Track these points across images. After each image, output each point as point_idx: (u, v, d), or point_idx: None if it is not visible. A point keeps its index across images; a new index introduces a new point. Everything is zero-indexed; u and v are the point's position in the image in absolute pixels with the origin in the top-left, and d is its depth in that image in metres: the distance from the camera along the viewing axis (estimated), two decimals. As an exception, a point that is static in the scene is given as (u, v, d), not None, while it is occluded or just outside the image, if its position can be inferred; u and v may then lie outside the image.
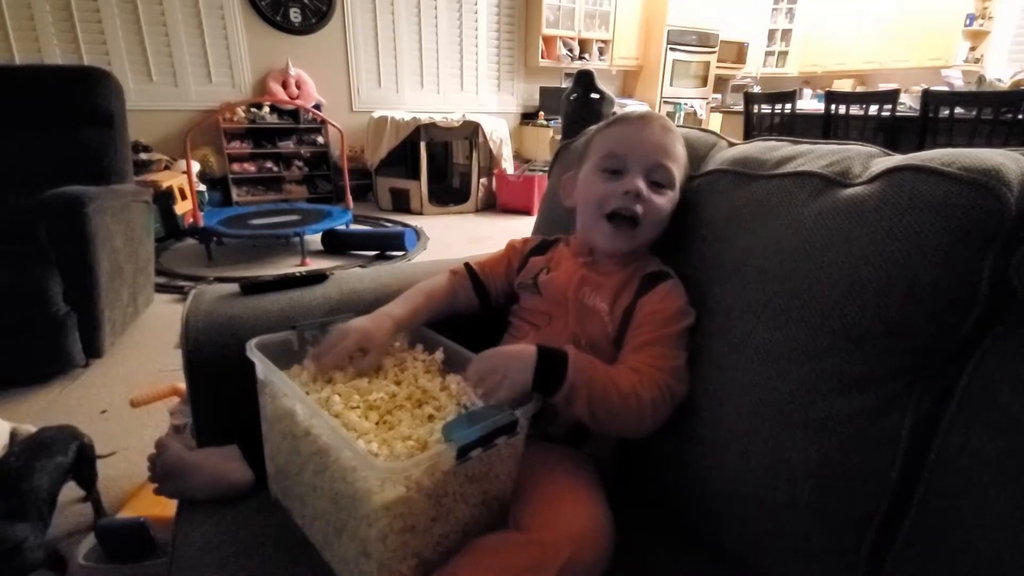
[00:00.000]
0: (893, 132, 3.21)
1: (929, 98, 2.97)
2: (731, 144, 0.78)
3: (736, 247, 0.63)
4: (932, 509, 0.48)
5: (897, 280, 0.48)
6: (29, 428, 1.32)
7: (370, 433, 0.54)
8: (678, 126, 0.78)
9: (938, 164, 0.49)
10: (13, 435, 1.29)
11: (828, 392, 0.52)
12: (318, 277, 0.84)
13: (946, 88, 3.52)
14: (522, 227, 3.63)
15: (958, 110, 2.92)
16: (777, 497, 0.54)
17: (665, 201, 0.70)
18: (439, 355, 0.68)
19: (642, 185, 0.68)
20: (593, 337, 0.68)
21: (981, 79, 3.74)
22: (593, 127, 0.80)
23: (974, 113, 2.85)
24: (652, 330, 0.65)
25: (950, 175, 0.48)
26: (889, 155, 0.58)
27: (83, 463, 1.07)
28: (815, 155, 0.62)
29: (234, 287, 0.81)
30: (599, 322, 0.69)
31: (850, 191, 0.54)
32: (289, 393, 0.57)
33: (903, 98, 3.31)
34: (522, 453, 0.58)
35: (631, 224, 0.69)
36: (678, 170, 0.71)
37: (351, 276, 0.88)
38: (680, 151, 0.72)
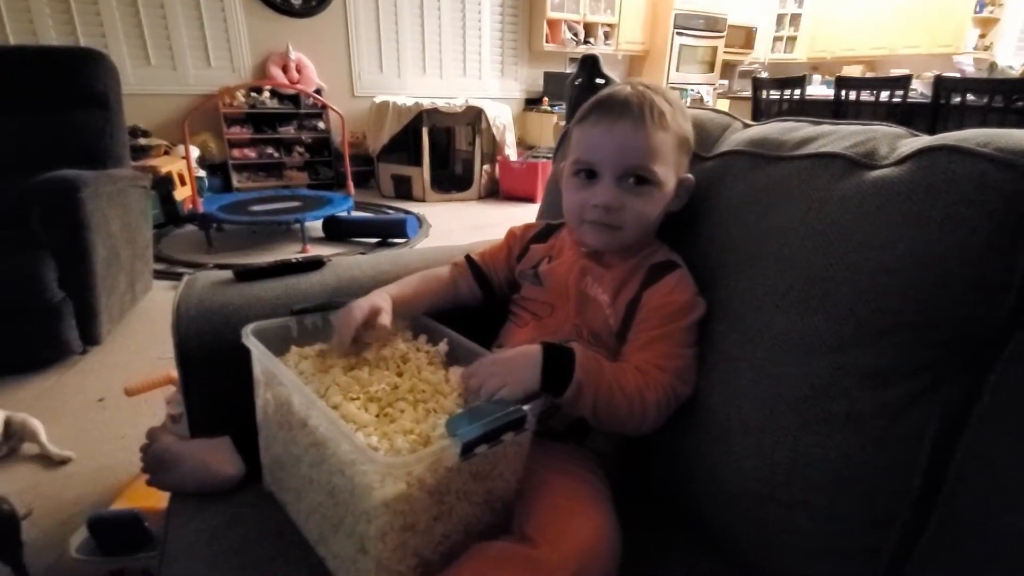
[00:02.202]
0: (904, 118, 3.16)
1: (941, 84, 2.92)
2: (746, 125, 0.74)
3: (752, 232, 0.60)
4: (959, 511, 0.45)
5: (928, 267, 0.45)
6: (24, 416, 1.31)
7: (370, 426, 0.52)
8: (689, 107, 0.74)
9: (973, 144, 0.46)
10: (7, 423, 1.28)
11: (851, 386, 0.49)
12: (315, 263, 0.82)
13: (958, 74, 3.46)
14: (525, 214, 3.58)
15: (969, 97, 2.87)
16: (794, 496, 0.52)
17: (645, 202, 0.64)
18: (443, 347, 0.65)
19: (612, 196, 0.63)
20: (595, 328, 0.66)
21: (993, 66, 3.67)
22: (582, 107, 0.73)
23: (985, 100, 2.81)
24: (659, 325, 0.62)
25: (986, 156, 0.45)
26: (916, 136, 0.55)
27: (4, 534, 0.87)
28: (837, 136, 0.59)
29: (228, 274, 0.78)
30: (600, 313, 0.66)
31: (877, 173, 0.50)
32: (286, 382, 0.54)
33: (914, 84, 3.25)
34: (528, 452, 0.56)
35: (611, 227, 0.65)
36: (663, 163, 0.64)
37: (349, 262, 0.85)
38: (661, 140, 0.63)
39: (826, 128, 0.62)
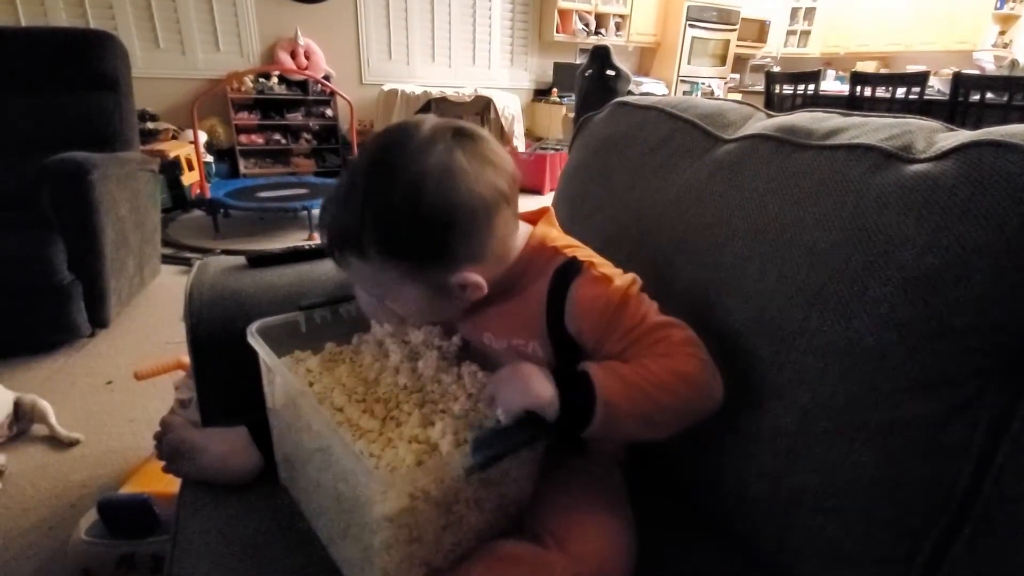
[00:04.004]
0: (921, 116, 3.11)
1: (961, 81, 2.87)
2: (769, 116, 0.72)
3: (779, 223, 0.56)
4: (996, 520, 0.44)
5: (975, 267, 0.43)
6: (34, 398, 1.31)
7: (374, 431, 0.50)
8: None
9: (1021, 140, 0.44)
10: (17, 405, 1.28)
11: (892, 394, 0.46)
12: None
13: (977, 71, 3.40)
14: (532, 207, 3.55)
15: (989, 95, 2.82)
16: (826, 503, 0.50)
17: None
18: (456, 340, 0.63)
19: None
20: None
21: (1014, 63, 3.61)
22: None
23: (1005, 98, 2.76)
24: (612, 326, 0.51)
25: (1035, 152, 0.43)
26: (953, 130, 0.53)
27: None
28: (870, 128, 0.56)
29: (240, 259, 0.77)
30: (525, 355, 0.57)
31: (916, 168, 0.48)
32: (288, 385, 0.52)
33: (931, 81, 3.20)
34: (542, 455, 0.54)
35: None
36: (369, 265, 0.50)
37: (362, 250, 0.84)
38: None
39: (857, 120, 0.60)
